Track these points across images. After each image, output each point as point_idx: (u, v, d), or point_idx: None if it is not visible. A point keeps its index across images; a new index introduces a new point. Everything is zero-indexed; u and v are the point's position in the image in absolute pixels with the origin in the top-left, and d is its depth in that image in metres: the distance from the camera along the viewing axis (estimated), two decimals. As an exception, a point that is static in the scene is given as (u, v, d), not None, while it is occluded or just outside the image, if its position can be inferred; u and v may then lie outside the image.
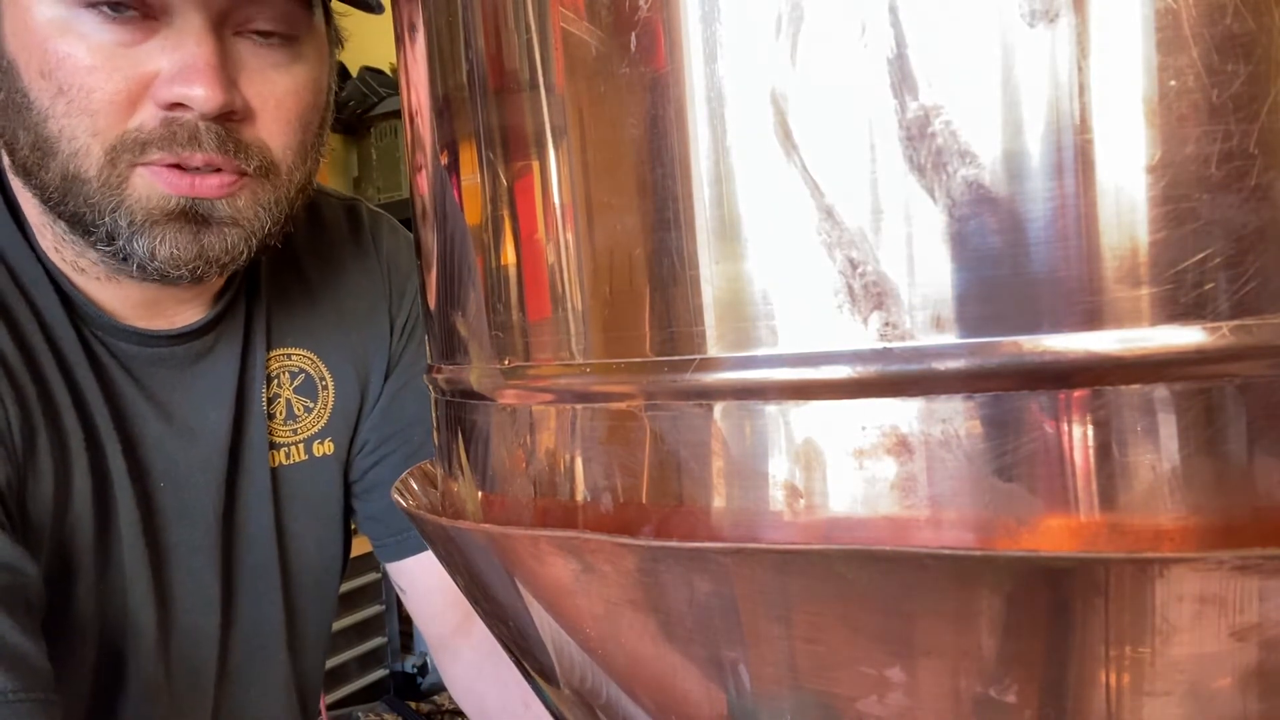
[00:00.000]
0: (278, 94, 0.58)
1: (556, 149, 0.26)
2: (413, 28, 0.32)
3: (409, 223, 0.37)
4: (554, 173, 0.26)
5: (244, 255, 0.59)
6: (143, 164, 0.54)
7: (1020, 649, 0.20)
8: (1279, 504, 0.20)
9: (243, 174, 0.57)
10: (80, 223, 0.56)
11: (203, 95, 0.53)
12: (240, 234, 0.58)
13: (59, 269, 0.62)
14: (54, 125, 0.54)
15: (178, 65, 0.53)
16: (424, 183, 0.33)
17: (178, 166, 0.55)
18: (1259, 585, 0.18)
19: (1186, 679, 0.19)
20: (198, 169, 0.55)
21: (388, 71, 2.15)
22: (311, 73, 0.60)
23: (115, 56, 0.53)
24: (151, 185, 0.55)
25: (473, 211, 0.30)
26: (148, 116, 0.54)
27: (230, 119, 0.55)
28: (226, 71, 0.54)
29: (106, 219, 0.55)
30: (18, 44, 0.54)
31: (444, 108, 0.30)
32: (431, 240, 0.33)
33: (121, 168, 0.54)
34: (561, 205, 0.26)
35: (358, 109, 2.15)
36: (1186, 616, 0.19)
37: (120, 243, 0.56)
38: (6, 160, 0.60)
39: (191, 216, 0.56)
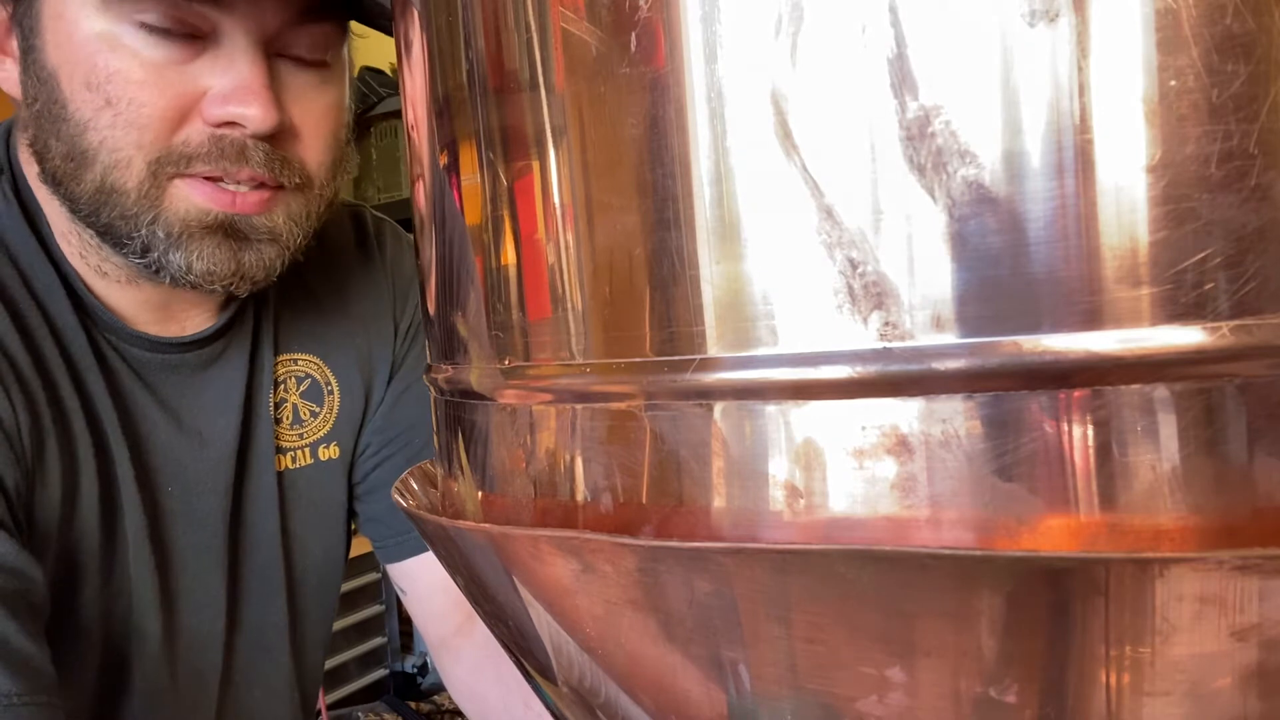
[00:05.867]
0: (316, 114, 0.60)
1: (556, 149, 0.26)
2: (413, 31, 0.32)
3: (410, 223, 0.37)
4: (554, 173, 0.26)
5: (277, 270, 0.61)
6: (183, 176, 0.55)
7: (1020, 649, 0.20)
8: (1279, 504, 0.20)
9: (281, 187, 0.58)
10: (113, 234, 0.57)
11: (259, 115, 0.54)
12: (276, 250, 0.60)
13: (77, 273, 0.62)
14: (94, 136, 0.54)
15: (230, 85, 0.54)
16: (424, 183, 0.33)
17: (219, 179, 0.56)
18: (1259, 585, 0.18)
19: (1186, 679, 0.19)
20: (239, 183, 0.56)
21: (388, 71, 2.15)
22: (340, 93, 0.63)
23: (166, 73, 0.54)
24: (189, 198, 0.56)
25: (473, 211, 0.30)
26: (194, 132, 0.55)
27: (275, 137, 0.57)
28: (275, 92, 0.56)
29: (143, 231, 0.56)
30: (61, 56, 0.55)
31: (444, 108, 0.30)
32: (431, 241, 0.33)
33: (162, 180, 0.55)
34: (561, 205, 0.26)
35: (358, 109, 2.15)
36: (1186, 616, 0.19)
37: (155, 254, 0.57)
38: (32, 169, 0.60)
39: (230, 231, 0.57)
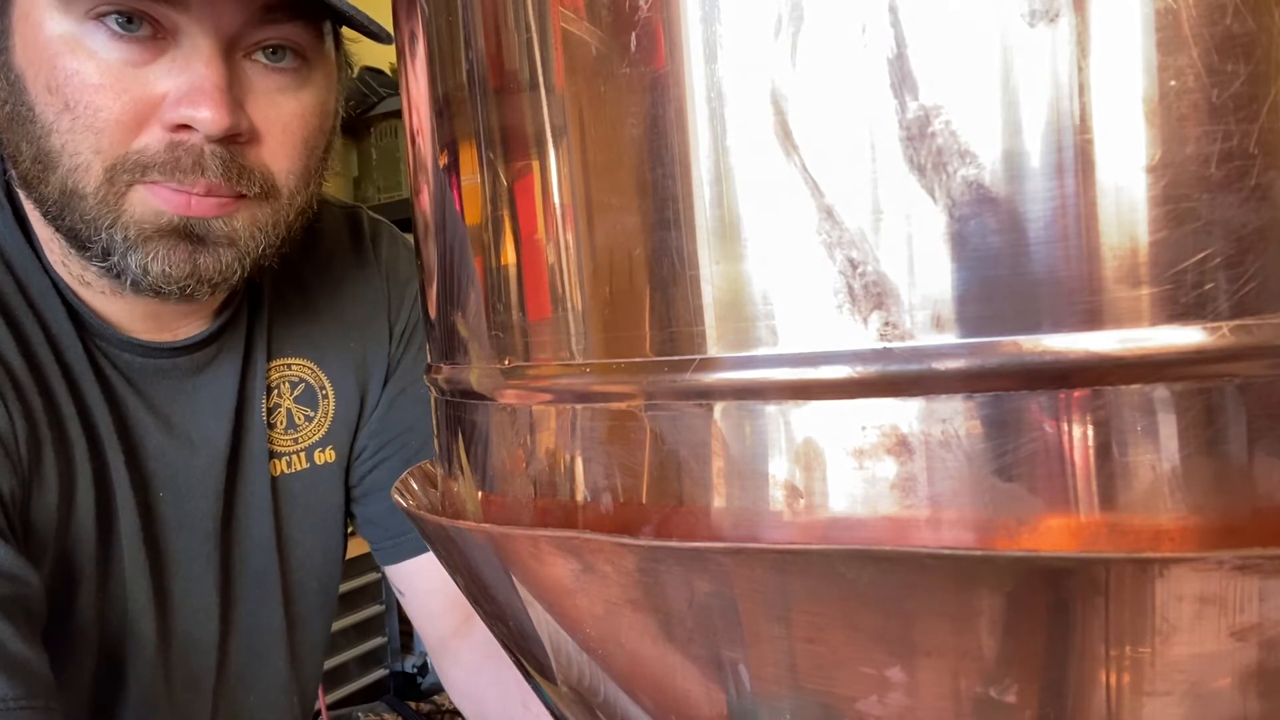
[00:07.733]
0: (284, 118, 0.58)
1: (556, 149, 0.26)
2: (413, 34, 0.32)
3: (409, 223, 0.37)
4: (554, 173, 0.26)
5: (238, 275, 0.59)
6: (142, 183, 0.54)
7: (1020, 649, 0.20)
8: (1279, 504, 0.20)
9: (242, 196, 0.57)
10: (76, 237, 0.57)
11: (209, 117, 0.53)
12: (235, 254, 0.58)
13: (65, 282, 0.62)
14: (57, 140, 0.54)
15: (185, 87, 0.53)
16: (425, 182, 0.33)
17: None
18: (1259, 585, 0.18)
19: (1186, 679, 0.19)
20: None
21: (388, 71, 2.15)
22: (319, 98, 0.60)
23: (124, 76, 0.53)
24: (147, 202, 0.55)
25: (473, 211, 0.30)
26: (153, 139, 0.54)
27: (235, 141, 0.56)
28: (234, 94, 0.55)
29: (103, 234, 0.55)
30: (27, 58, 0.54)
31: (444, 108, 0.30)
32: (432, 241, 0.33)
33: (120, 186, 0.54)
34: (561, 205, 0.26)
35: (358, 109, 2.15)
36: (1186, 616, 0.19)
37: (115, 258, 0.56)
38: (13, 172, 0.60)
39: (186, 234, 0.56)
